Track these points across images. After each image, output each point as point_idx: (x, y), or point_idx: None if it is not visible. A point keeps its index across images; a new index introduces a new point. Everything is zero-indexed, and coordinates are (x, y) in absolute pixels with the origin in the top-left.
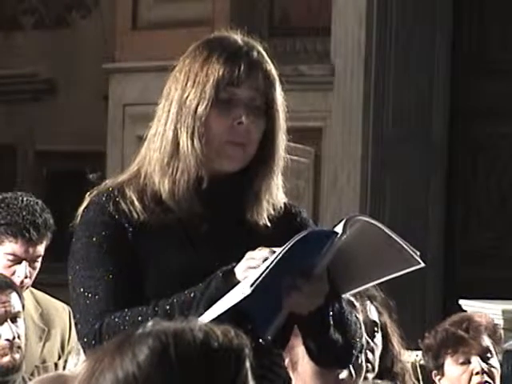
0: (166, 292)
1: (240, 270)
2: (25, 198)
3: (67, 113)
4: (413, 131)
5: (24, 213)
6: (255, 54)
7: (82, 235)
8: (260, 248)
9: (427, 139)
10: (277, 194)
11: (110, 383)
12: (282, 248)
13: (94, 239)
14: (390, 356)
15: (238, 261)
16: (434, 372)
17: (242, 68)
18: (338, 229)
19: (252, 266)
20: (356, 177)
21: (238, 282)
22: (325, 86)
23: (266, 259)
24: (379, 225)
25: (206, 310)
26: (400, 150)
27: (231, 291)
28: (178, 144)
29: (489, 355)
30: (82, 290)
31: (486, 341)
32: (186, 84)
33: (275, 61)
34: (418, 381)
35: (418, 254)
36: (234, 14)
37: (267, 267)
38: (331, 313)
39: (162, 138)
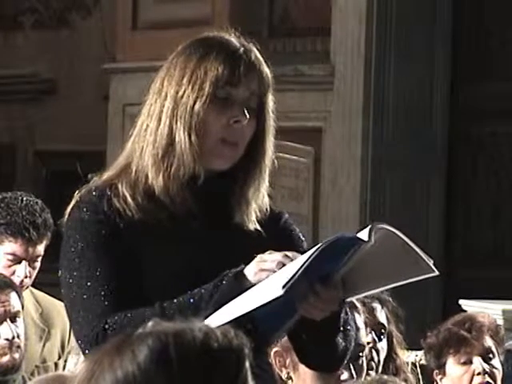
0: (163, 291)
1: (251, 271)
2: (24, 198)
3: (67, 113)
4: (413, 131)
5: (24, 213)
6: (253, 55)
7: (76, 234)
8: (270, 251)
9: (427, 139)
10: (264, 196)
11: (109, 383)
12: (313, 250)
13: (90, 238)
14: (393, 366)
15: (233, 261)
16: (436, 371)
17: (241, 69)
18: (363, 235)
19: (264, 269)
20: (356, 177)
21: (249, 283)
22: (325, 85)
23: (279, 263)
24: (398, 233)
25: (215, 312)
26: (400, 149)
27: (246, 293)
28: (173, 139)
29: (491, 356)
30: (79, 290)
31: (488, 341)
32: (182, 80)
33: (275, 61)
34: (418, 381)
35: (432, 262)
36: (234, 13)
37: (299, 269)
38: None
39: (156, 132)
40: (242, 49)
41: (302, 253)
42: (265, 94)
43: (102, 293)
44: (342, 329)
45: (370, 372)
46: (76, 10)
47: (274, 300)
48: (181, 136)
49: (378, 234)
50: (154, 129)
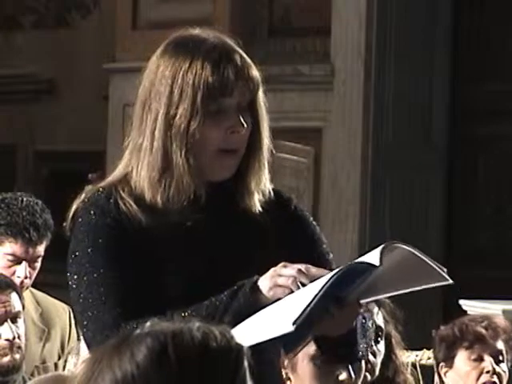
0: (174, 295)
1: (266, 286)
2: (25, 199)
3: (67, 113)
4: (413, 131)
5: (24, 213)
6: (238, 58)
7: (85, 238)
8: (284, 264)
9: (427, 139)
10: (265, 183)
11: (108, 383)
12: (324, 283)
13: (99, 242)
14: (392, 366)
15: (243, 256)
16: (442, 364)
17: (230, 78)
18: (375, 260)
19: (279, 284)
20: (356, 177)
21: (265, 299)
22: (325, 85)
23: (293, 280)
24: (412, 249)
25: (229, 325)
26: (400, 149)
27: (260, 317)
28: (170, 162)
29: (500, 358)
30: (90, 296)
31: (501, 344)
32: (171, 98)
33: (275, 61)
34: (418, 381)
35: (445, 270)
36: (234, 13)
37: (309, 303)
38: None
39: (151, 153)
40: (225, 53)
41: (315, 241)
42: (256, 93)
43: (113, 300)
44: (361, 331)
45: (367, 374)
46: (76, 10)
47: (284, 335)
48: (178, 159)
49: (391, 252)
50: (148, 149)
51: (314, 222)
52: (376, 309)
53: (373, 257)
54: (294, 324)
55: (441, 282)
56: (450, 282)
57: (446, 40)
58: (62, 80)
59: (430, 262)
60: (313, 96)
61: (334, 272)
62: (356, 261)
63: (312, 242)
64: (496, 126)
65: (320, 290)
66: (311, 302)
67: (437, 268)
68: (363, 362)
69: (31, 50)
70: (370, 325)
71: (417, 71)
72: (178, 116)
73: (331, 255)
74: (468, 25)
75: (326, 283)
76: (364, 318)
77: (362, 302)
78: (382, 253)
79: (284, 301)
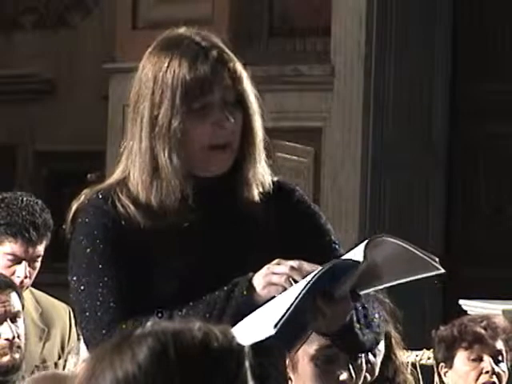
0: (170, 294)
1: (260, 284)
2: (24, 198)
3: (67, 113)
4: (413, 131)
5: (24, 213)
6: (215, 54)
7: (84, 239)
8: (277, 261)
9: (427, 139)
10: (263, 175)
11: (109, 383)
12: (305, 284)
13: (97, 244)
14: (392, 366)
15: (237, 257)
16: (442, 364)
17: (207, 75)
18: (359, 256)
19: (272, 282)
20: (356, 177)
21: (260, 297)
22: (325, 85)
23: (286, 278)
24: (397, 241)
25: (228, 324)
26: (400, 150)
27: (252, 315)
28: (157, 163)
29: (500, 358)
30: (89, 296)
31: (500, 344)
32: (153, 99)
33: (275, 61)
34: (418, 381)
35: (437, 260)
36: (234, 14)
37: (290, 306)
38: (355, 317)
39: (140, 156)
40: (203, 50)
41: (320, 231)
42: (240, 87)
43: (112, 299)
44: (364, 322)
45: (367, 374)
46: (76, 10)
47: (267, 338)
48: (163, 160)
49: (377, 245)
50: (138, 152)
51: (319, 213)
52: None
53: (357, 253)
54: (274, 327)
55: (433, 271)
56: (442, 271)
57: (446, 39)
58: (61, 80)
59: (419, 253)
60: (313, 96)
61: (316, 271)
62: (340, 258)
63: (316, 231)
64: (496, 125)
65: (301, 292)
66: (292, 304)
67: (427, 258)
68: (363, 362)
69: (31, 50)
70: (376, 315)
71: (417, 71)
72: (160, 116)
73: (337, 242)
74: (468, 25)
75: (307, 284)
76: (365, 308)
77: (362, 292)
78: (366, 248)
79: (274, 301)
